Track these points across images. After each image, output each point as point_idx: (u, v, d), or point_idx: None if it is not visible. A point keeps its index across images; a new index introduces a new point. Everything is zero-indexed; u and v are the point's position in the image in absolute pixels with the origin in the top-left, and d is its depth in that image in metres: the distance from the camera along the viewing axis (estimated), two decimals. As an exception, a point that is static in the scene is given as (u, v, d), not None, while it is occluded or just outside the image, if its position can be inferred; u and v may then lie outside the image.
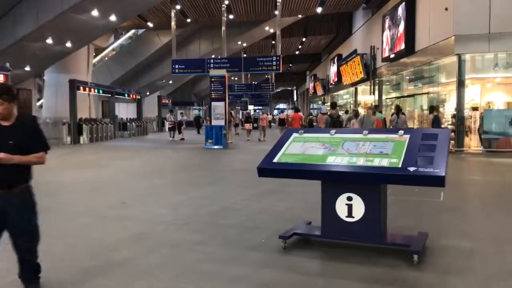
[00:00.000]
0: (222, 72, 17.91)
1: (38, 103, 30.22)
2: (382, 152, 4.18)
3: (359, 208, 4.18)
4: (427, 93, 17.33)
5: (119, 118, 28.73)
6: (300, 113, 22.10)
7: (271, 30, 29.38)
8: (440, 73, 16.24)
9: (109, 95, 26.35)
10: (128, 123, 27.78)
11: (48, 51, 20.16)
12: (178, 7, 22.81)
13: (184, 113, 32.39)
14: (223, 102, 17.65)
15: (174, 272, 3.89)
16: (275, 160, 4.52)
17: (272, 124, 33.57)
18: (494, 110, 14.73)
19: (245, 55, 32.85)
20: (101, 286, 3.61)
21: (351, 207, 4.21)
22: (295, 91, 71.61)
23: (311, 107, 47.30)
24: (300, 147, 4.61)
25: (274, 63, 18.19)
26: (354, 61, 24.64)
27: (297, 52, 40.99)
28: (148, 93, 36.72)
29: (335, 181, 4.30)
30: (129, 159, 14.09)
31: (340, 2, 25.01)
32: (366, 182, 4.14)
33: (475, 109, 14.71)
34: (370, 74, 23.23)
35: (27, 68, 21.96)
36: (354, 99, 28.74)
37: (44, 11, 16.78)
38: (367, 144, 4.34)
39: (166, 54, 29.40)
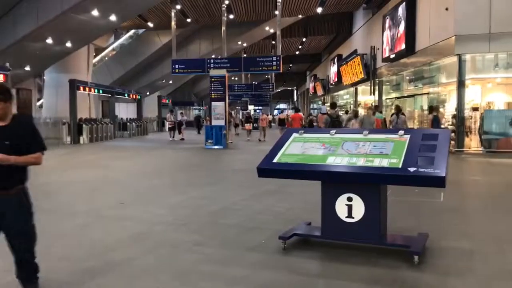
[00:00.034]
0: (222, 72, 17.90)
1: (38, 103, 30.21)
2: (382, 152, 4.17)
3: (359, 209, 4.17)
4: (427, 93, 17.32)
5: (119, 118, 28.72)
6: (300, 113, 22.09)
7: (271, 30, 29.38)
8: (441, 73, 16.23)
9: (109, 95, 26.35)
10: (128, 123, 27.76)
11: (48, 51, 20.15)
12: (178, 7, 22.80)
13: (184, 113, 32.40)
14: (223, 102, 17.64)
15: (173, 273, 3.88)
16: (275, 161, 4.51)
17: (272, 124, 33.55)
18: (494, 110, 14.72)
19: (245, 55, 32.85)
20: (101, 286, 3.61)
21: (351, 207, 4.20)
22: (295, 91, 71.62)
23: (311, 107, 47.29)
24: (300, 147, 4.59)
25: (274, 63, 18.19)
26: (354, 61, 24.63)
27: (297, 52, 41.00)
28: (148, 93, 36.73)
29: (335, 182, 4.29)
30: (129, 159, 14.08)
31: (340, 2, 25.00)
32: (366, 182, 4.13)
33: (475, 109, 14.69)
34: (370, 74, 23.22)
35: (27, 68, 21.96)
36: (354, 99, 28.73)
37: (44, 11, 16.78)
38: (367, 145, 4.33)
39: (166, 54, 29.41)
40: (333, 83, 33.13)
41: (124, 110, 33.65)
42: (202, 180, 9.43)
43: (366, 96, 26.15)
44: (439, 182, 3.75)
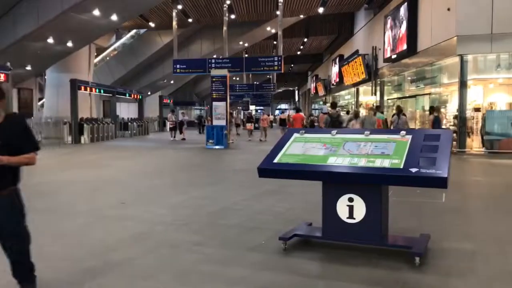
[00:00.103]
0: (224, 72, 17.89)
1: (39, 103, 30.25)
2: (384, 153, 4.15)
3: (360, 209, 4.15)
4: (429, 94, 17.29)
5: (120, 118, 28.74)
6: (302, 113, 22.05)
7: (273, 30, 29.37)
8: (442, 73, 16.20)
9: (111, 95, 26.38)
10: (129, 123, 27.78)
11: (49, 50, 20.17)
12: (179, 7, 22.82)
13: (186, 113, 32.41)
14: (225, 102, 17.64)
15: (174, 273, 3.87)
16: (275, 161, 4.49)
17: (273, 124, 33.54)
18: (496, 111, 14.70)
19: (246, 55, 32.84)
20: (101, 286, 3.59)
21: (352, 208, 4.18)
22: (296, 92, 71.64)
23: (312, 107, 47.28)
24: (301, 148, 4.57)
25: (276, 63, 18.18)
26: (355, 62, 24.61)
27: (298, 53, 40.99)
28: (149, 93, 36.76)
29: (336, 182, 4.27)
30: (130, 159, 14.07)
31: (342, 3, 24.99)
32: (368, 183, 4.11)
33: (477, 110, 14.67)
34: (372, 74, 23.20)
35: (28, 68, 21.98)
36: (355, 99, 28.71)
37: (45, 10, 16.78)
38: (369, 145, 4.31)
39: (168, 54, 29.42)
40: (335, 84, 33.12)
41: (125, 110, 33.70)
42: (203, 180, 9.42)
43: (367, 97, 26.13)
44: (441, 183, 3.73)
